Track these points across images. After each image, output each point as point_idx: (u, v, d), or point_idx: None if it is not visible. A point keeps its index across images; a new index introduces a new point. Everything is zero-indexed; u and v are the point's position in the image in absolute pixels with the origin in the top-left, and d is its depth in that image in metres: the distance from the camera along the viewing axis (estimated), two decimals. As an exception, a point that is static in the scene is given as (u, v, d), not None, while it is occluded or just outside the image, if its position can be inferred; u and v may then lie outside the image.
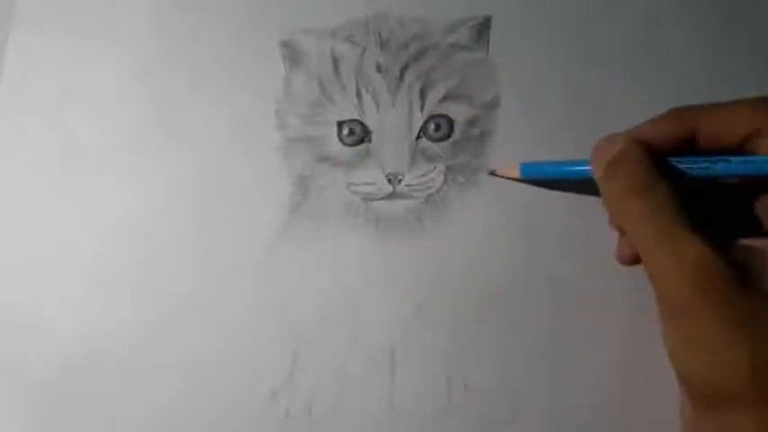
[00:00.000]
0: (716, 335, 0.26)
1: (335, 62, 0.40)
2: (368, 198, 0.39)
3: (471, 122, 0.39)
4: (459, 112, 0.39)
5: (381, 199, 0.38)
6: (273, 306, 0.38)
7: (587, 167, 0.33)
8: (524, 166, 0.36)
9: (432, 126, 0.39)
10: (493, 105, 0.39)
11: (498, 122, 0.39)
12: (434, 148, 0.39)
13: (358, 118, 0.39)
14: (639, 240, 0.29)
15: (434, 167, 0.38)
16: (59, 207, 0.40)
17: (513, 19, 0.40)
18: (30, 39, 0.42)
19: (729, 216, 0.32)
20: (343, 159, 0.39)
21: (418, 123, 0.39)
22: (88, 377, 0.37)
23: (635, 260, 0.32)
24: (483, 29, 0.40)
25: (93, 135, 0.41)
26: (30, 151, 0.41)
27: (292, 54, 0.41)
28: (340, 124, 0.39)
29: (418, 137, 0.39)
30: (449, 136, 0.39)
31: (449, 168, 0.38)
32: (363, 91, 0.39)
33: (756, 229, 0.32)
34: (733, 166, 0.30)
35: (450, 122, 0.39)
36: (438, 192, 0.38)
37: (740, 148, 0.30)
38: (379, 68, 0.40)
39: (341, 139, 0.39)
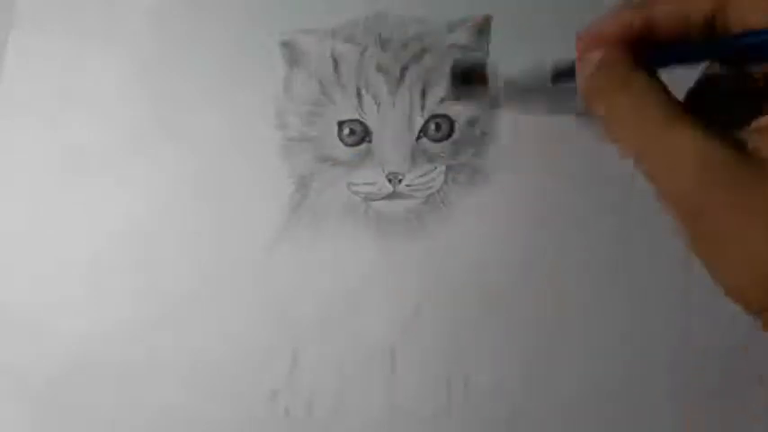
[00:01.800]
0: (735, 231, 0.22)
1: (336, 62, 0.40)
2: (368, 198, 0.39)
3: (472, 122, 0.39)
4: (459, 112, 0.39)
5: (382, 199, 0.38)
6: (273, 306, 0.38)
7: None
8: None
9: (432, 126, 0.39)
10: (493, 105, 0.39)
11: (498, 122, 0.39)
12: (435, 148, 0.39)
13: (358, 118, 0.39)
14: (632, 144, 0.25)
15: (435, 167, 0.38)
16: (59, 207, 0.40)
17: (513, 19, 0.40)
18: (30, 39, 0.42)
19: (728, 104, 0.27)
20: (343, 159, 0.39)
21: (419, 123, 0.39)
22: (88, 377, 0.37)
23: None
24: (483, 29, 0.40)
25: (93, 135, 0.41)
26: (30, 151, 0.41)
27: (292, 54, 0.41)
28: (340, 124, 0.39)
29: (419, 137, 0.39)
30: (449, 136, 0.39)
31: (449, 168, 0.38)
32: (363, 91, 0.39)
33: (755, 113, 0.26)
34: (725, 43, 0.25)
35: (451, 122, 0.39)
36: (438, 192, 0.38)
37: (707, 31, 0.26)
38: (379, 68, 0.40)
39: (341, 139, 0.39)
